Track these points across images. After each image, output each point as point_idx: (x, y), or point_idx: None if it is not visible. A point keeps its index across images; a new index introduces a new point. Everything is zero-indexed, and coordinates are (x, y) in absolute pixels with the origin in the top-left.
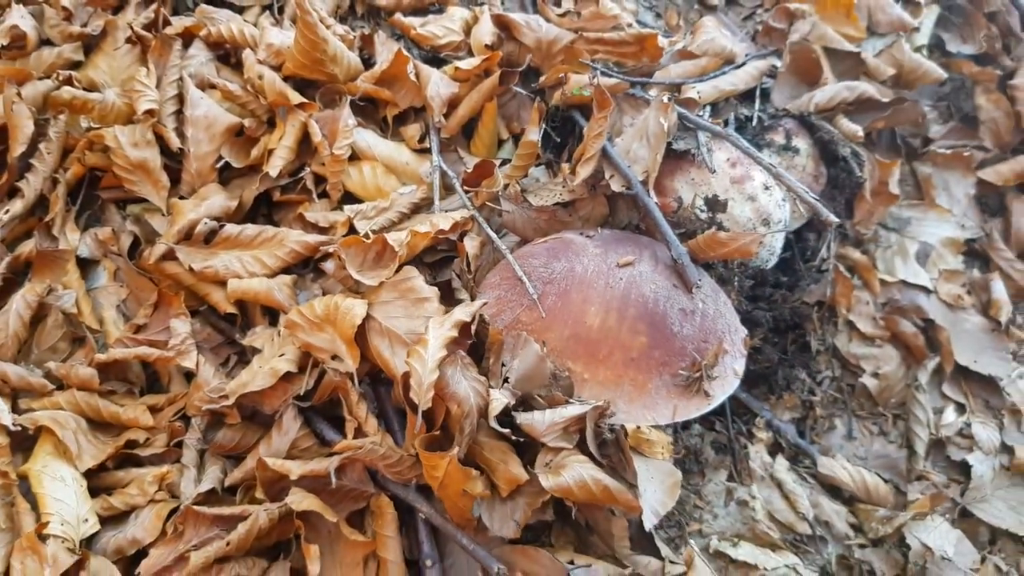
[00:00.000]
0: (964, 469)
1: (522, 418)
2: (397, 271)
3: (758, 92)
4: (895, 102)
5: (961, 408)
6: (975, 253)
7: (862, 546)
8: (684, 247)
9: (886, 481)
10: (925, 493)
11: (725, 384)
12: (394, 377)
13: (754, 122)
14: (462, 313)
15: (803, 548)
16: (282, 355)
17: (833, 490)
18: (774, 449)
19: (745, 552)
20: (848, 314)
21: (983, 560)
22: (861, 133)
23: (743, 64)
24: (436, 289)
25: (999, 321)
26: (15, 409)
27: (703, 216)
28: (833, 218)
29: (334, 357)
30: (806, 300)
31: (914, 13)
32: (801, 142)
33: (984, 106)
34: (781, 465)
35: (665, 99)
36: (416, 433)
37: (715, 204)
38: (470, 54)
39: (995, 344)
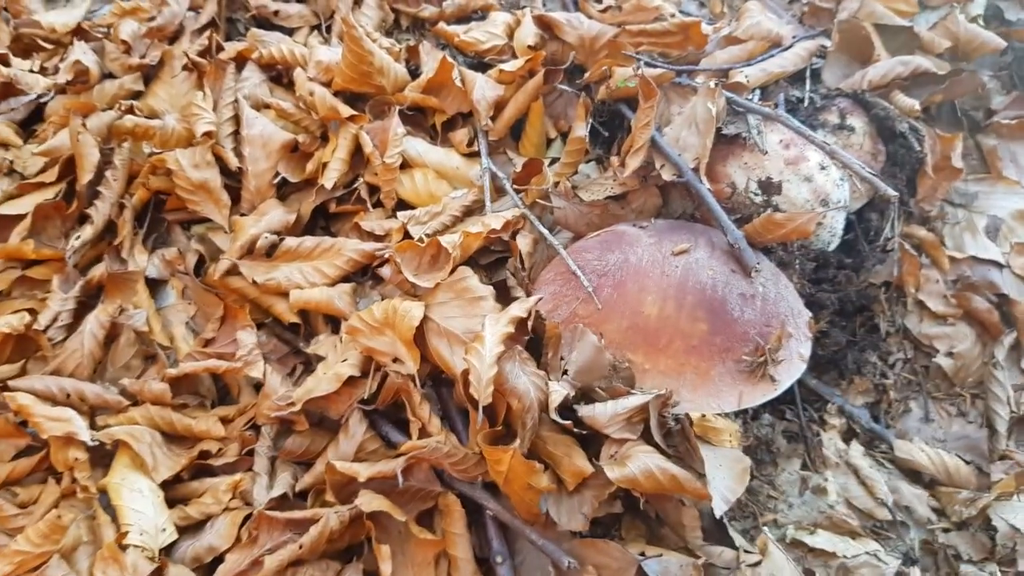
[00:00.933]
0: None
1: (584, 411)
2: (452, 272)
3: (808, 73)
4: (952, 74)
5: None
6: None
7: (946, 530)
8: (740, 231)
9: (968, 463)
10: (1009, 473)
11: (791, 368)
12: (454, 376)
13: (806, 103)
14: (518, 309)
15: (884, 535)
16: (345, 360)
17: (912, 474)
18: (848, 435)
19: (823, 540)
20: (917, 293)
21: None
22: (919, 107)
23: (791, 46)
24: (491, 288)
25: None
26: (93, 426)
27: (758, 200)
28: (892, 192)
29: (395, 360)
30: (873, 281)
31: None
32: (856, 120)
33: None
34: (856, 451)
35: (712, 84)
36: (479, 430)
37: (769, 186)
38: (514, 56)
39: None
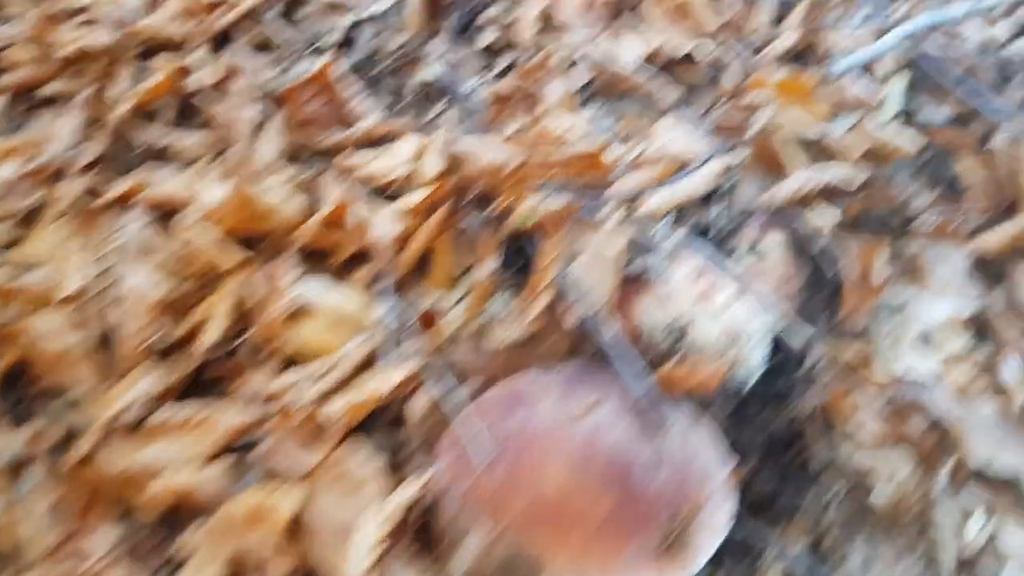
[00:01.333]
0: None
1: None
2: (333, 450)
3: (719, 193)
4: (864, 185)
5: (988, 513)
6: (981, 330)
7: None
8: (646, 384)
9: None
10: None
11: (708, 541)
12: None
13: (717, 227)
14: (402, 498)
15: None
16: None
17: None
18: None
19: None
20: (847, 422)
21: None
22: (830, 223)
23: (701, 166)
24: (379, 467)
25: (1014, 407)
26: None
27: (666, 344)
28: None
29: (269, 560)
30: (800, 412)
31: (877, 88)
32: (770, 242)
33: (965, 172)
34: None
35: (615, 219)
36: None
37: (676, 329)
38: (419, 187)
39: (1015, 434)
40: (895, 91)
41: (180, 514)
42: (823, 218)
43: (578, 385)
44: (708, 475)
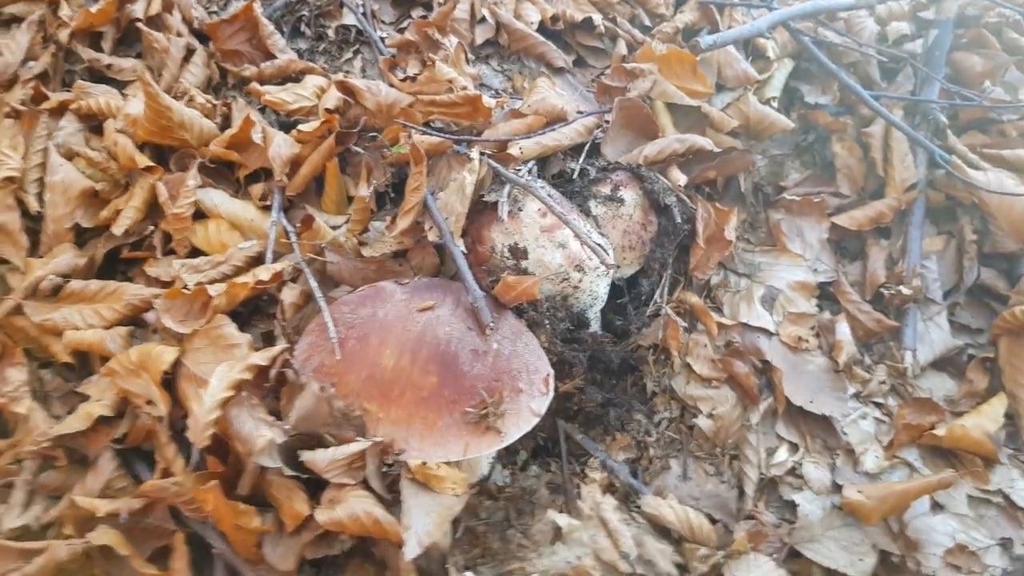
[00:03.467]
0: (795, 509)
1: (305, 456)
2: (210, 320)
3: (587, 147)
4: (724, 152)
5: (795, 448)
6: (829, 297)
7: None
8: (481, 292)
9: (715, 521)
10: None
11: (519, 422)
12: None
13: (579, 174)
14: (258, 357)
15: None
16: (99, 400)
17: (663, 530)
18: (608, 489)
19: None
20: (685, 357)
21: None
22: (683, 182)
23: (572, 122)
24: (249, 337)
25: (838, 362)
26: None
27: (509, 263)
28: (610, 260)
29: (148, 402)
30: (641, 343)
31: (763, 68)
32: (628, 193)
33: (840, 154)
34: (608, 504)
35: (475, 154)
36: (202, 471)
37: (516, 251)
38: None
39: (833, 385)
40: (779, 74)
41: (86, 363)
42: (674, 178)
43: (425, 290)
44: (527, 371)
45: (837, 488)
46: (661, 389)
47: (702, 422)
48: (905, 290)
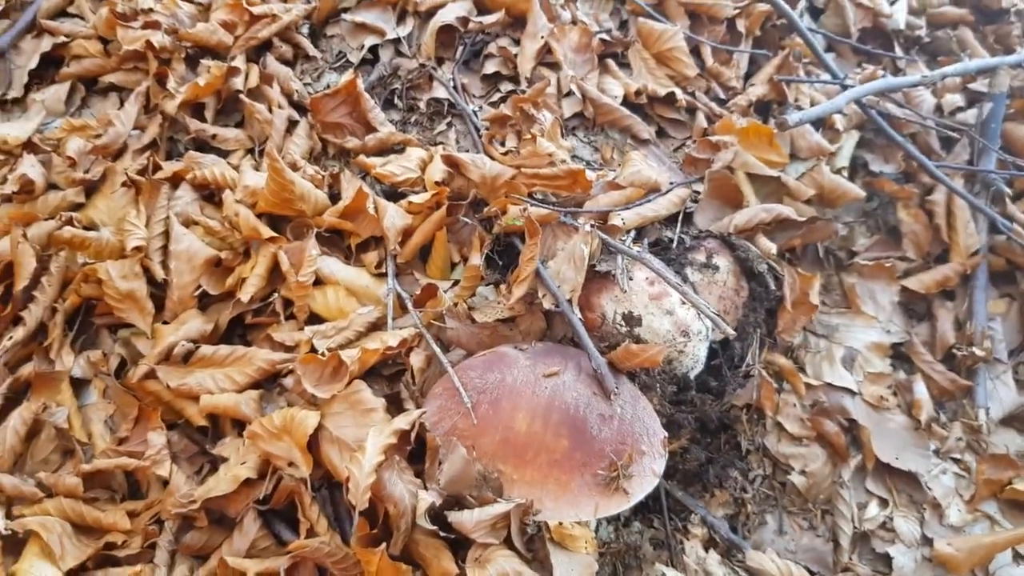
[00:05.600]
0: (888, 561)
1: (453, 517)
2: (348, 385)
3: (681, 216)
4: (810, 221)
5: (884, 503)
6: (902, 356)
7: None
8: (604, 358)
9: (813, 574)
10: None
11: (644, 483)
12: (343, 481)
13: (675, 244)
14: (401, 422)
15: None
16: (244, 463)
17: None
18: (709, 544)
19: None
20: (775, 416)
21: None
22: (774, 251)
23: (666, 192)
24: (383, 400)
25: (920, 420)
26: (9, 515)
27: (623, 330)
28: (730, 331)
29: (291, 464)
30: (735, 403)
31: (833, 139)
32: (721, 260)
33: (905, 220)
34: (713, 559)
35: (588, 227)
36: (356, 532)
37: (631, 319)
38: (424, 189)
39: (916, 442)
40: (848, 144)
41: (220, 426)
42: (765, 247)
43: (546, 356)
44: (647, 434)
45: (927, 540)
46: (755, 447)
47: (795, 479)
48: (978, 351)
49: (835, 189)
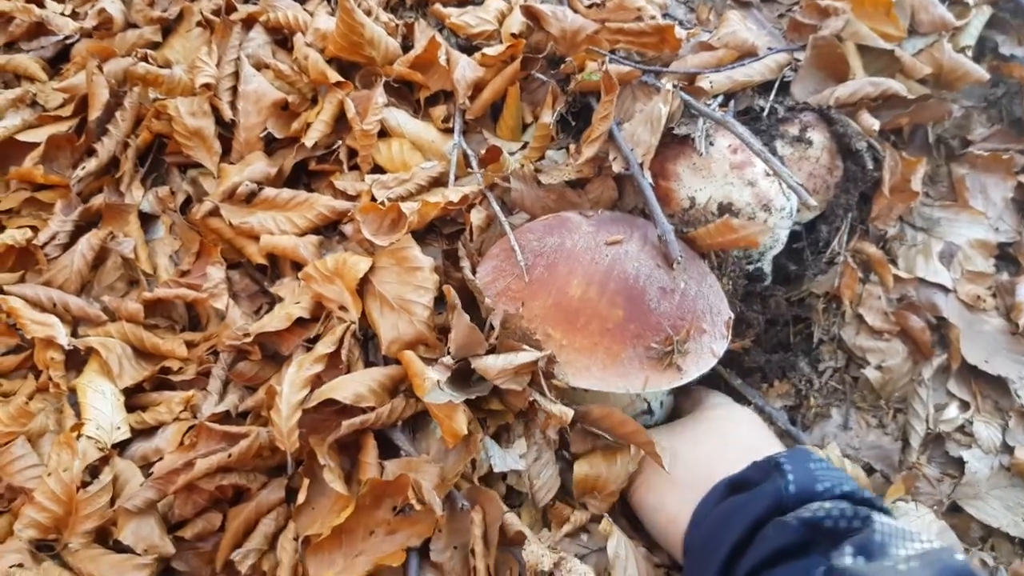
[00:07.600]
0: (960, 466)
1: (476, 363)
2: (400, 239)
3: (777, 85)
4: (920, 99)
5: (965, 406)
6: (1007, 258)
7: None
8: (670, 225)
9: (874, 471)
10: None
11: (700, 361)
12: (379, 337)
13: (768, 113)
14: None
15: None
16: (297, 303)
17: None
18: None
19: None
20: (857, 307)
21: (968, 553)
22: (877, 127)
23: (762, 57)
24: (431, 260)
25: (1018, 324)
26: (74, 334)
27: (698, 201)
28: (812, 202)
29: (341, 307)
30: (814, 291)
31: (961, 14)
32: (816, 135)
33: None
34: None
35: (669, 86)
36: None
37: (725, 207)
38: (501, 43)
39: (1011, 346)
40: (977, 21)
41: (280, 267)
42: (866, 123)
43: (611, 223)
44: (711, 312)
45: (1007, 449)
46: (829, 338)
47: (870, 373)
48: None
49: (955, 69)
